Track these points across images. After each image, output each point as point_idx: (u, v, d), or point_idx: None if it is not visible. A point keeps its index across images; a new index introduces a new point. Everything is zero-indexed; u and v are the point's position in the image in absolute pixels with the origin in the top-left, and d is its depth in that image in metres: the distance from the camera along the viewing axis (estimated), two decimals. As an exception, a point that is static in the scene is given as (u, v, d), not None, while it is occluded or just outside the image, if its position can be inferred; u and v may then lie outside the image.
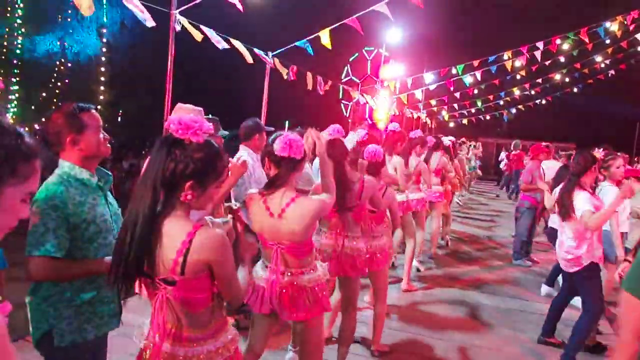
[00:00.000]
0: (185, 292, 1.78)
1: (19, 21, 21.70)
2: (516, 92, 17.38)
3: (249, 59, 6.47)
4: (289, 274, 2.76)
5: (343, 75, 14.23)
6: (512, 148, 15.45)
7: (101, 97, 22.39)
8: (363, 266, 3.74)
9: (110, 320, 2.37)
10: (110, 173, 2.46)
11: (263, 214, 2.72)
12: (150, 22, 4.44)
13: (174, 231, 1.76)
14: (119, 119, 25.28)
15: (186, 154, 1.76)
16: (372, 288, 4.43)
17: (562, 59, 13.51)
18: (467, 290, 6.24)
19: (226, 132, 4.12)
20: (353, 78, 14.06)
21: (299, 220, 2.65)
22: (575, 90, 17.73)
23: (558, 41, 11.00)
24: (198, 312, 1.85)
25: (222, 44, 5.69)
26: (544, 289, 6.24)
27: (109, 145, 2.38)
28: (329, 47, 6.85)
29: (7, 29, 21.62)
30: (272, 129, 4.13)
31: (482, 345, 4.64)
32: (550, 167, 7.77)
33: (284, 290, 2.74)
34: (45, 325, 2.18)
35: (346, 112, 13.93)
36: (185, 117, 1.79)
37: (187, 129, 1.76)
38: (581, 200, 4.15)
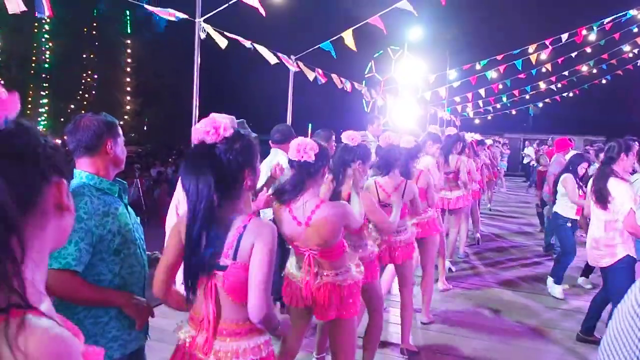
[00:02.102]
0: (234, 277, 1.85)
1: (46, 36, 22.27)
2: (542, 85, 17.06)
3: (273, 60, 6.50)
4: (322, 276, 2.76)
5: (366, 70, 14.15)
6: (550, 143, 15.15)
7: (127, 107, 22.81)
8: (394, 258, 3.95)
9: (138, 335, 2.25)
10: (125, 182, 2.40)
11: (291, 222, 2.72)
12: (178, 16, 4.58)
13: (236, 222, 1.88)
14: (145, 127, 25.72)
15: (230, 149, 1.84)
16: (399, 283, 4.35)
17: (588, 50, 13.24)
18: (500, 288, 6.14)
19: (254, 135, 4.15)
20: (376, 75, 13.98)
21: (326, 227, 2.65)
22: (603, 81, 17.33)
23: (584, 32, 10.79)
24: (239, 303, 1.88)
25: (248, 44, 5.76)
26: (580, 280, 6.19)
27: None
28: (353, 47, 6.83)
29: (35, 44, 22.23)
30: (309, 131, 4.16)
31: (519, 345, 4.56)
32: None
33: (319, 289, 2.74)
34: None
35: (367, 108, 13.85)
36: (204, 124, 1.86)
37: (217, 130, 1.84)
38: (622, 193, 3.99)
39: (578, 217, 5.54)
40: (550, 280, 5.98)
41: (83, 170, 2.18)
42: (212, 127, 1.84)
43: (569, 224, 5.81)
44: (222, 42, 5.32)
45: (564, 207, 5.84)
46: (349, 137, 3.36)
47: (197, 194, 1.79)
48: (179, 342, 2.01)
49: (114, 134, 2.25)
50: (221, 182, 1.82)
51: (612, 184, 4.06)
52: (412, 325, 4.36)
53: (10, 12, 3.54)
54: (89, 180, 2.16)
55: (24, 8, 3.54)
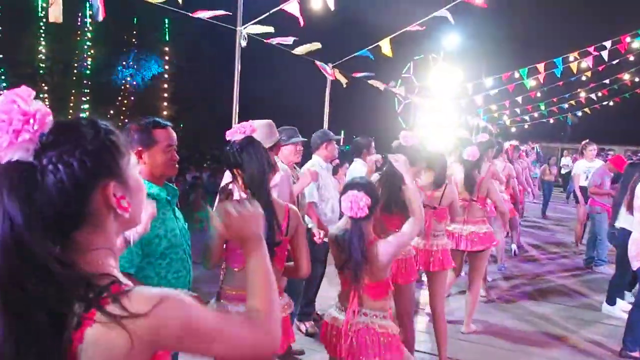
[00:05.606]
0: (282, 250, 2.48)
1: (88, 43, 22.96)
2: (582, 94, 16.65)
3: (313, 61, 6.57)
4: (364, 314, 2.72)
5: (404, 70, 14.05)
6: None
7: (165, 113, 23.28)
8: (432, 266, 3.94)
9: None
10: (176, 187, 2.47)
11: (344, 254, 2.75)
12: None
13: (278, 206, 2.47)
14: (180, 133, 26.17)
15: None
16: (429, 293, 4.22)
17: (631, 58, 12.86)
18: (538, 299, 6.01)
19: (304, 139, 4.35)
20: (413, 78, 13.86)
21: (376, 261, 2.68)
22: (646, 90, 16.80)
23: (628, 39, 10.50)
24: (279, 269, 2.46)
25: (290, 41, 5.82)
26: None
27: (176, 165, 2.39)
28: (390, 55, 6.83)
29: (76, 52, 22.94)
30: (340, 137, 4.26)
31: (558, 359, 4.45)
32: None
33: (357, 332, 2.68)
34: None
35: (397, 108, 13.73)
36: (237, 128, 2.46)
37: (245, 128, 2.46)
38: None
39: None
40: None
41: None
42: (245, 128, 2.45)
43: None
44: (266, 31, 5.31)
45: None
46: (404, 136, 3.57)
47: None
48: None
49: (146, 142, 2.27)
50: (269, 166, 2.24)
51: None
52: (447, 336, 4.28)
53: (50, 21, 3.66)
54: None
55: (60, 20, 3.64)
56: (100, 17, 3.76)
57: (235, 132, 2.44)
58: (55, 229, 0.94)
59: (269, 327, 1.12)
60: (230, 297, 2.44)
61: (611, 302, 5.60)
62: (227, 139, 2.47)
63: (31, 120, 0.93)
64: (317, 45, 6.21)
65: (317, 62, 6.74)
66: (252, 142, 2.42)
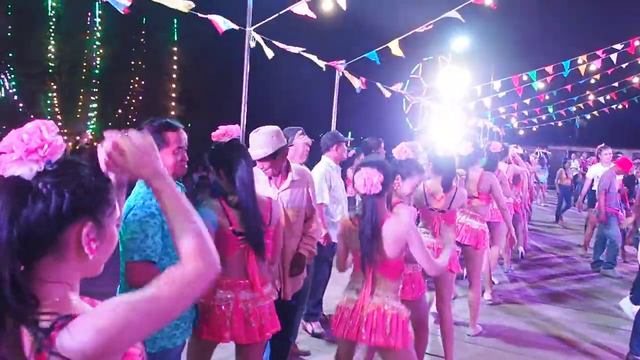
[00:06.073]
0: (267, 239, 2.64)
1: (97, 43, 23.08)
2: (590, 97, 16.57)
3: (322, 64, 6.56)
4: (377, 295, 2.75)
5: (413, 71, 14.02)
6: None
7: (172, 113, 23.36)
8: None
9: (189, 325, 2.42)
10: (184, 186, 2.52)
11: (357, 235, 2.78)
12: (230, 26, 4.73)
13: (260, 200, 2.68)
14: (188, 133, 26.18)
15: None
16: (436, 297, 4.22)
17: (640, 61, 12.77)
18: (545, 302, 5.98)
19: (312, 140, 4.36)
20: (422, 79, 13.84)
21: (391, 236, 2.72)
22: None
23: (637, 42, 10.43)
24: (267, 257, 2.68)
25: (297, 50, 5.83)
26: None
27: (186, 166, 2.42)
28: (400, 54, 6.83)
29: (85, 51, 23.06)
30: (351, 138, 4.25)
31: (566, 363, 4.44)
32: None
33: (369, 312, 2.72)
34: None
35: (405, 109, 13.71)
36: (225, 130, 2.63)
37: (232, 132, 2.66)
38: None
39: None
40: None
41: None
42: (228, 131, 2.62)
43: None
44: (269, 53, 5.38)
45: None
46: (398, 150, 3.49)
47: None
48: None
49: (155, 143, 2.28)
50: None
51: None
52: (454, 339, 4.27)
53: None
54: None
55: None
56: (122, 9, 3.78)
57: (223, 135, 2.63)
58: (22, 251, 1.00)
59: (202, 264, 1.16)
60: (224, 285, 2.52)
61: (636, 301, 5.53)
62: (214, 139, 2.65)
63: (45, 146, 1.03)
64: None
65: (327, 63, 6.72)
66: (239, 145, 2.68)
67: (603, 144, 8.60)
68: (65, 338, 0.95)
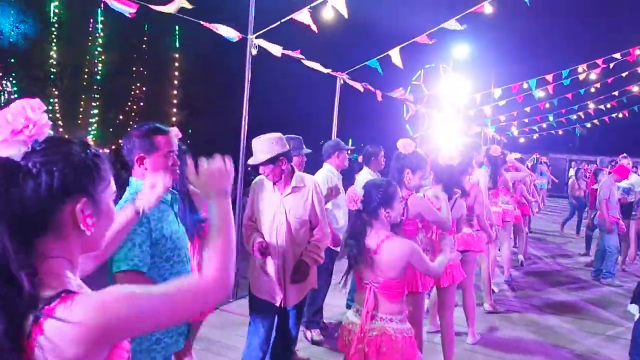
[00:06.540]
0: None
1: (99, 49, 23.18)
2: (591, 106, 16.61)
3: (325, 70, 6.60)
4: (380, 319, 2.72)
5: (414, 77, 14.08)
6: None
7: (173, 119, 23.42)
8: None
9: (178, 339, 2.30)
10: (176, 192, 2.45)
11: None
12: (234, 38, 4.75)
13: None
14: (188, 140, 26.27)
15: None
16: (439, 308, 4.23)
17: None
18: (544, 311, 5.97)
19: (309, 150, 4.40)
20: (422, 86, 13.90)
21: (393, 254, 2.71)
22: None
23: (637, 52, 10.47)
24: None
25: (297, 55, 5.87)
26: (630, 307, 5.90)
27: (178, 170, 2.36)
28: (400, 65, 6.86)
29: (87, 57, 23.16)
30: (352, 147, 4.28)
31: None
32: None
33: (371, 340, 2.68)
34: None
35: (405, 115, 13.75)
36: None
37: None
38: None
39: None
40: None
41: (138, 178, 2.27)
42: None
43: None
44: (277, 51, 5.37)
45: None
46: (403, 144, 3.52)
47: None
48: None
49: (146, 148, 2.26)
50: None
51: None
52: (454, 348, 4.26)
53: None
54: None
55: None
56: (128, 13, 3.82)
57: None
58: (19, 232, 0.99)
59: (221, 279, 1.19)
60: None
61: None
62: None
63: (30, 126, 1.03)
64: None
65: (328, 71, 6.77)
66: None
67: (624, 154, 8.65)
68: (65, 312, 0.95)
